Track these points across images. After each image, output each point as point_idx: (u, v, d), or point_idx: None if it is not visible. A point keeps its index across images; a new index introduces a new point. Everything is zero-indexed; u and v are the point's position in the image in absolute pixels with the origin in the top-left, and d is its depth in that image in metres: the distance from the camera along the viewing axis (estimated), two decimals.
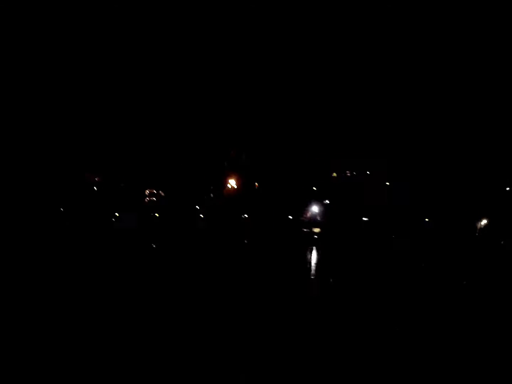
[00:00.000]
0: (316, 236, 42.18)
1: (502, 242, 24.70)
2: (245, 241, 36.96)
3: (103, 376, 6.99)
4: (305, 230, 44.18)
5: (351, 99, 36.22)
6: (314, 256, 32.04)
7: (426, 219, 34.41)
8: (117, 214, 32.57)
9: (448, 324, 11.70)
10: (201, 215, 46.74)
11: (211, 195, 48.72)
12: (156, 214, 38.36)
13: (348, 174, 42.02)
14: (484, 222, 28.66)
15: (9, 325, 9.38)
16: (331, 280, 21.18)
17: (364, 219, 40.22)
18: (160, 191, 42.95)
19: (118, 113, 33.20)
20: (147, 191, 41.74)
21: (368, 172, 40.14)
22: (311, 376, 7.60)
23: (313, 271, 24.14)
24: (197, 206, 46.72)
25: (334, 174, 43.18)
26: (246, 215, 48.90)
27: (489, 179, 29.94)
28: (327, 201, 45.02)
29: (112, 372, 7.18)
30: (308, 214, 46.14)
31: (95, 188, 33.72)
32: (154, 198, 42.31)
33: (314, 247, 35.61)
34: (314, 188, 45.97)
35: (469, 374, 7.98)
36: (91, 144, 31.99)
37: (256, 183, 49.29)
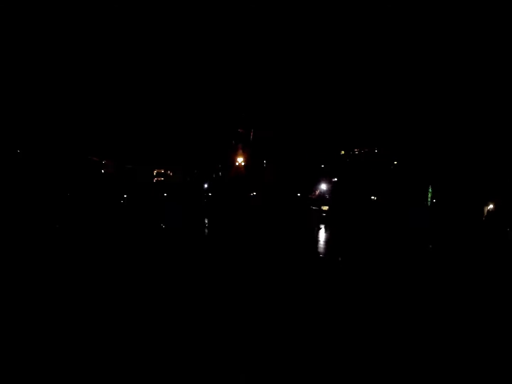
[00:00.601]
0: (324, 214, 42.18)
1: (508, 229, 24.52)
2: (253, 219, 37.05)
3: (103, 375, 7.10)
4: (313, 208, 44.20)
5: (359, 77, 35.69)
6: (322, 235, 32.04)
7: (434, 200, 34.28)
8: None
9: (454, 310, 11.75)
10: (209, 194, 46.96)
11: (220, 173, 48.84)
12: (165, 194, 38.65)
13: (356, 152, 41.85)
14: (490, 208, 28.44)
15: (9, 324, 9.50)
16: (340, 259, 21.26)
17: (373, 197, 40.17)
18: (169, 171, 43.20)
19: (123, 95, 33.04)
20: (155, 171, 42.00)
21: (376, 150, 39.94)
22: (316, 369, 7.68)
23: (321, 250, 24.22)
24: (205, 185, 46.93)
25: (342, 152, 43.00)
26: (254, 193, 49.02)
27: (495, 165, 29.53)
28: (336, 179, 44.95)
29: (112, 371, 7.30)
30: (317, 192, 46.12)
31: (102, 170, 33.91)
32: (162, 178, 42.59)
33: (322, 225, 35.58)
34: (322, 166, 45.87)
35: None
36: (95, 127, 31.97)
37: (264, 161, 49.23)
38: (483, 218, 28.52)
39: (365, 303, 11.97)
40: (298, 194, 48.09)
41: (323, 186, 45.96)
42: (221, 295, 12.01)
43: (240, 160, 47.30)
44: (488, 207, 28.54)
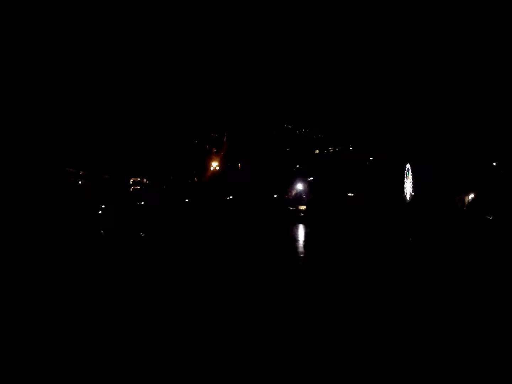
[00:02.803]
0: (302, 214, 42.47)
1: (490, 218, 25.15)
2: (232, 222, 37.04)
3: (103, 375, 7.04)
4: (290, 208, 44.45)
5: (331, 74, 36.04)
6: (301, 234, 32.24)
7: (412, 193, 34.91)
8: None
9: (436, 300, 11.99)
10: (186, 200, 46.63)
11: (195, 178, 48.65)
12: (142, 202, 38.16)
13: (331, 150, 42.29)
14: (472, 196, 29.15)
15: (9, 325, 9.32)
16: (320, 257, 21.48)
17: (350, 194, 40.65)
18: (144, 179, 42.77)
19: (97, 102, 32.54)
20: (132, 179, 41.54)
21: (350, 148, 40.43)
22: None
23: (301, 249, 24.41)
24: (181, 190, 46.61)
25: (317, 151, 43.39)
26: (231, 196, 48.96)
27: (477, 154, 30.23)
28: (311, 178, 45.33)
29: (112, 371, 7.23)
30: (293, 192, 46.41)
31: (79, 182, 33.25)
32: (138, 186, 42.15)
33: (300, 225, 35.82)
34: (298, 166, 46.20)
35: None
36: (69, 137, 31.36)
37: (239, 164, 49.32)
38: (464, 207, 29.21)
39: (348, 300, 12.14)
40: (275, 195, 48.29)
41: (299, 186, 46.32)
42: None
43: (214, 164, 47.26)
44: (469, 197, 29.24)
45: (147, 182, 42.97)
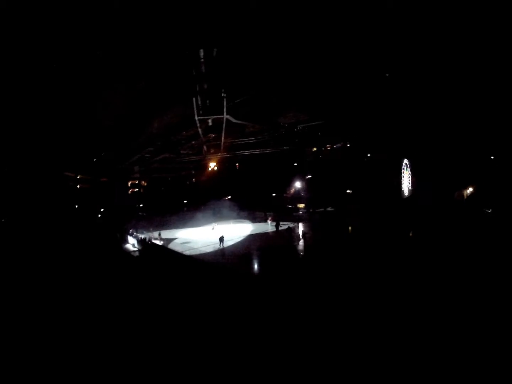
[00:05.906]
0: (301, 212, 42.49)
1: (488, 211, 25.18)
2: (232, 222, 37.14)
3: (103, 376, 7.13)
4: (289, 206, 44.46)
5: (327, 70, 35.76)
6: (300, 233, 32.23)
7: (410, 188, 34.83)
8: None
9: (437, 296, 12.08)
10: (185, 201, 46.73)
11: (193, 179, 48.65)
12: (141, 205, 38.26)
13: (329, 148, 42.05)
14: (470, 190, 29.15)
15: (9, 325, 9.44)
16: (319, 255, 21.55)
17: (348, 191, 40.61)
18: (142, 181, 42.68)
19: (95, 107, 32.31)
20: (130, 182, 41.41)
21: (348, 145, 40.19)
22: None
23: (300, 248, 24.46)
24: (179, 190, 46.67)
25: (314, 149, 43.18)
26: (230, 196, 48.99)
27: (475, 148, 30.09)
28: (309, 176, 45.27)
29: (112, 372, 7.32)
30: (292, 191, 46.44)
31: (78, 186, 33.12)
32: (137, 189, 42.08)
33: (299, 223, 35.84)
34: (295, 164, 46.06)
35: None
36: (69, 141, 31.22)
37: (237, 164, 49.27)
38: (464, 201, 29.25)
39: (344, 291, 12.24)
40: (273, 194, 48.29)
41: (298, 184, 46.35)
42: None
43: (212, 165, 47.11)
44: (468, 191, 29.27)
45: (145, 184, 42.88)
